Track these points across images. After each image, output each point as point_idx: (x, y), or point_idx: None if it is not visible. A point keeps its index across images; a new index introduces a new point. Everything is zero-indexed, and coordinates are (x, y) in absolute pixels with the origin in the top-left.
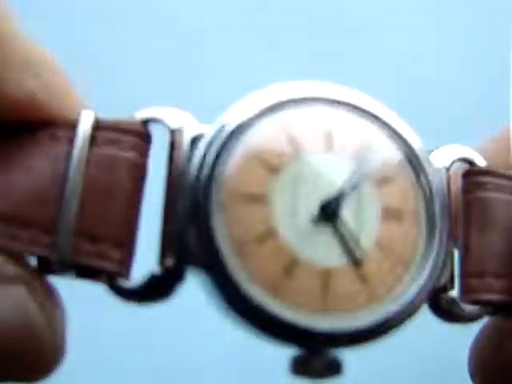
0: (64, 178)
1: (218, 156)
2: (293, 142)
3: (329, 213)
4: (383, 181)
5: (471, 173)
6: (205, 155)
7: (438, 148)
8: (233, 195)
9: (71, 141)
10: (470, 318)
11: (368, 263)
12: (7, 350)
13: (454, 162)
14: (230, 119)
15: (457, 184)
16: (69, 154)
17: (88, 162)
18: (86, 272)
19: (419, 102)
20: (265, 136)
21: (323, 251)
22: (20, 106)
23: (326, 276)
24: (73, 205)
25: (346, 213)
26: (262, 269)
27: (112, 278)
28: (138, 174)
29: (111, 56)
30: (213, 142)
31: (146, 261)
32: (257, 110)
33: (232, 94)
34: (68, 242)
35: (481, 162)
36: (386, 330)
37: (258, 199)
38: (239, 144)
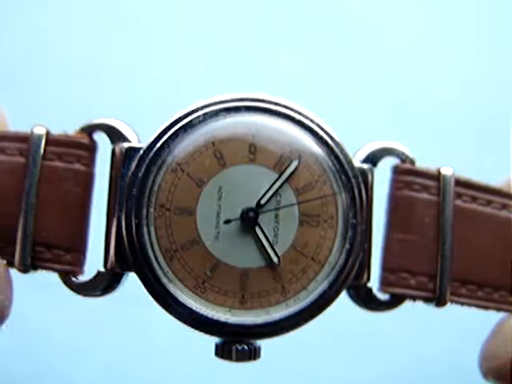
0: (21, 192)
1: (146, 173)
2: (218, 155)
3: (248, 221)
4: (303, 189)
5: (399, 170)
6: (136, 172)
7: (366, 144)
8: (162, 209)
9: (23, 154)
10: (385, 307)
11: (284, 264)
12: None
13: (381, 157)
14: (159, 136)
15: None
16: (24, 167)
17: (40, 177)
18: (44, 270)
19: (419, 103)
20: (192, 151)
21: (243, 255)
22: None
23: (244, 277)
24: (30, 218)
25: (266, 219)
26: (186, 272)
27: (66, 275)
28: (85, 184)
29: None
30: (143, 159)
31: None
32: (183, 126)
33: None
34: (28, 251)
35: (410, 157)
36: (299, 322)
37: (185, 211)
38: (167, 160)
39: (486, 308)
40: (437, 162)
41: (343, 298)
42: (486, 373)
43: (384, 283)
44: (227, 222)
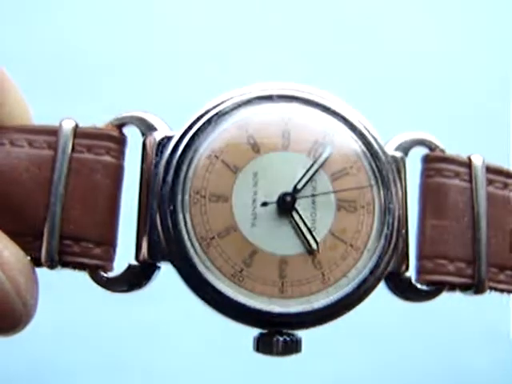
0: (49, 185)
1: (181, 159)
2: (252, 141)
3: (285, 206)
4: (339, 174)
5: (429, 158)
6: (170, 159)
7: (397, 134)
8: (196, 196)
9: (52, 147)
10: (424, 297)
11: (322, 251)
12: None
13: (412, 147)
14: (192, 124)
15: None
16: (52, 160)
17: (69, 169)
18: (72, 266)
19: (419, 103)
20: (226, 137)
21: (281, 241)
22: None
23: (283, 264)
24: (58, 211)
25: (303, 205)
26: (224, 260)
27: (95, 270)
28: (114, 176)
29: (99, 57)
30: (177, 147)
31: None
32: (217, 114)
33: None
34: (55, 245)
35: (440, 146)
36: (339, 311)
37: (220, 197)
38: (201, 147)
39: None
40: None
41: None
42: None
43: (422, 272)
44: (264, 204)
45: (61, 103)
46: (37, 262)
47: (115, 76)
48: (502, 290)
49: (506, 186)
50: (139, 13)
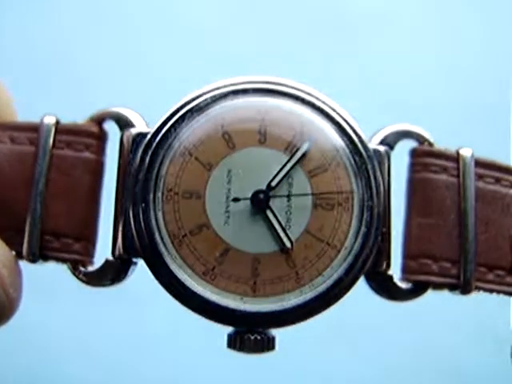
0: (31, 180)
1: (154, 157)
2: (227, 137)
3: (258, 204)
4: (317, 171)
5: (416, 153)
6: (143, 156)
7: (384, 127)
8: (170, 193)
9: (33, 143)
10: (408, 296)
11: (297, 249)
12: None
13: (398, 140)
14: (166, 120)
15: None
16: (33, 156)
17: (49, 165)
18: (53, 260)
19: (418, 102)
20: (200, 134)
21: (254, 239)
22: None
23: (256, 262)
24: (38, 207)
25: (277, 202)
26: (195, 258)
27: (75, 265)
28: (95, 172)
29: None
30: (151, 144)
31: None
32: (191, 109)
33: None
34: (36, 240)
35: (428, 139)
36: (314, 310)
37: (193, 195)
38: (175, 144)
39: None
40: None
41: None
42: None
43: (405, 271)
44: (236, 200)
45: (45, 100)
46: (19, 256)
47: (101, 73)
48: (490, 291)
49: (497, 180)
50: (125, 11)
